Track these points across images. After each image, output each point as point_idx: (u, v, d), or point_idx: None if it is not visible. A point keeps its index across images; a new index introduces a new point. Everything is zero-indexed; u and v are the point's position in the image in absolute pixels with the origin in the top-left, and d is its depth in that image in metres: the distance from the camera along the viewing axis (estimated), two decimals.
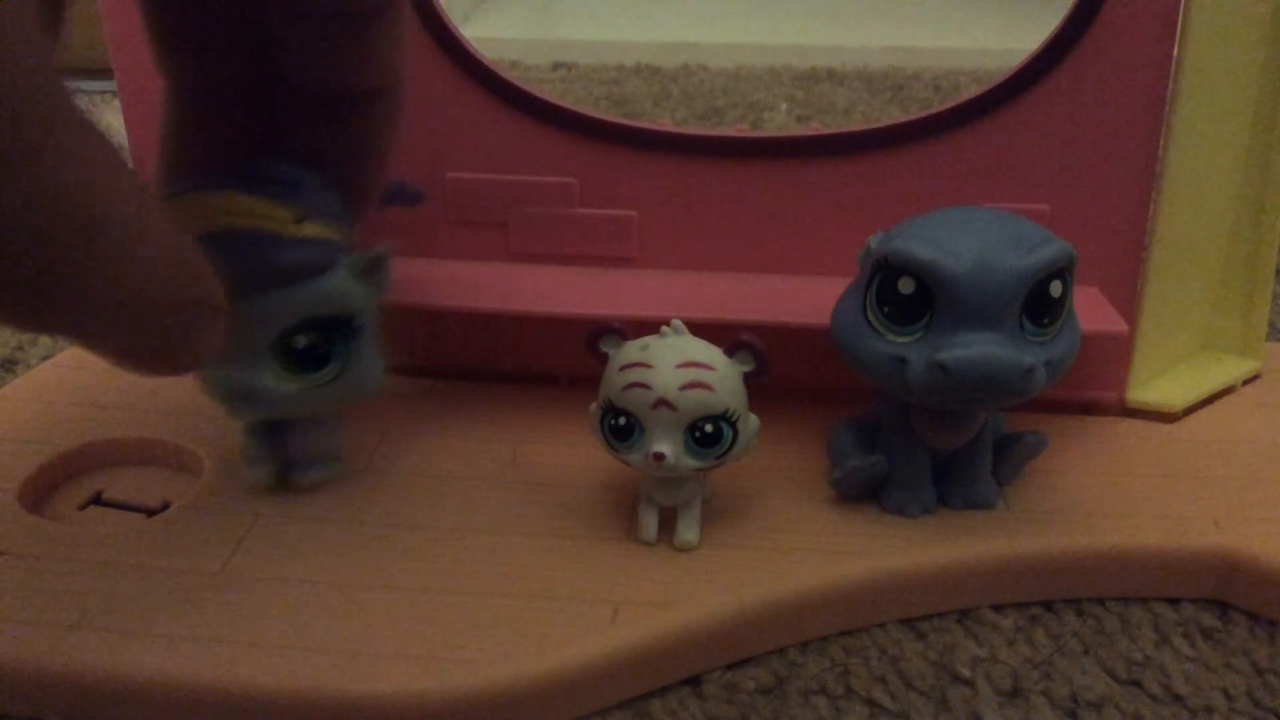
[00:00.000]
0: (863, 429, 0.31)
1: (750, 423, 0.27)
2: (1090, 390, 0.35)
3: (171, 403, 0.34)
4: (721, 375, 0.26)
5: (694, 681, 0.26)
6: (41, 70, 0.17)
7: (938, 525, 0.29)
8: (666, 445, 0.26)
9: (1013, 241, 0.26)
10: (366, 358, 0.28)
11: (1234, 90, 0.32)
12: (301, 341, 0.27)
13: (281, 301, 0.26)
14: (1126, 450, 0.33)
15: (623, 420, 0.27)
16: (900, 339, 0.27)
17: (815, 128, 0.34)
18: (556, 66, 0.93)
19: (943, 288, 0.26)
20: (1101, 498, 0.30)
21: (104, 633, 0.25)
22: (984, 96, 0.32)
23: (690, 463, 0.27)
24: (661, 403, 0.26)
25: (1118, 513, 0.29)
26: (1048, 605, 0.28)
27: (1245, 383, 0.36)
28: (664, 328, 0.27)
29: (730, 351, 0.27)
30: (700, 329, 0.28)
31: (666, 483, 0.28)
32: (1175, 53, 0.31)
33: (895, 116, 0.34)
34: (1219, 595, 0.28)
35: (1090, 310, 0.32)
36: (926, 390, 0.26)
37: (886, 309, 0.27)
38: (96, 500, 0.31)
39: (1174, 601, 0.28)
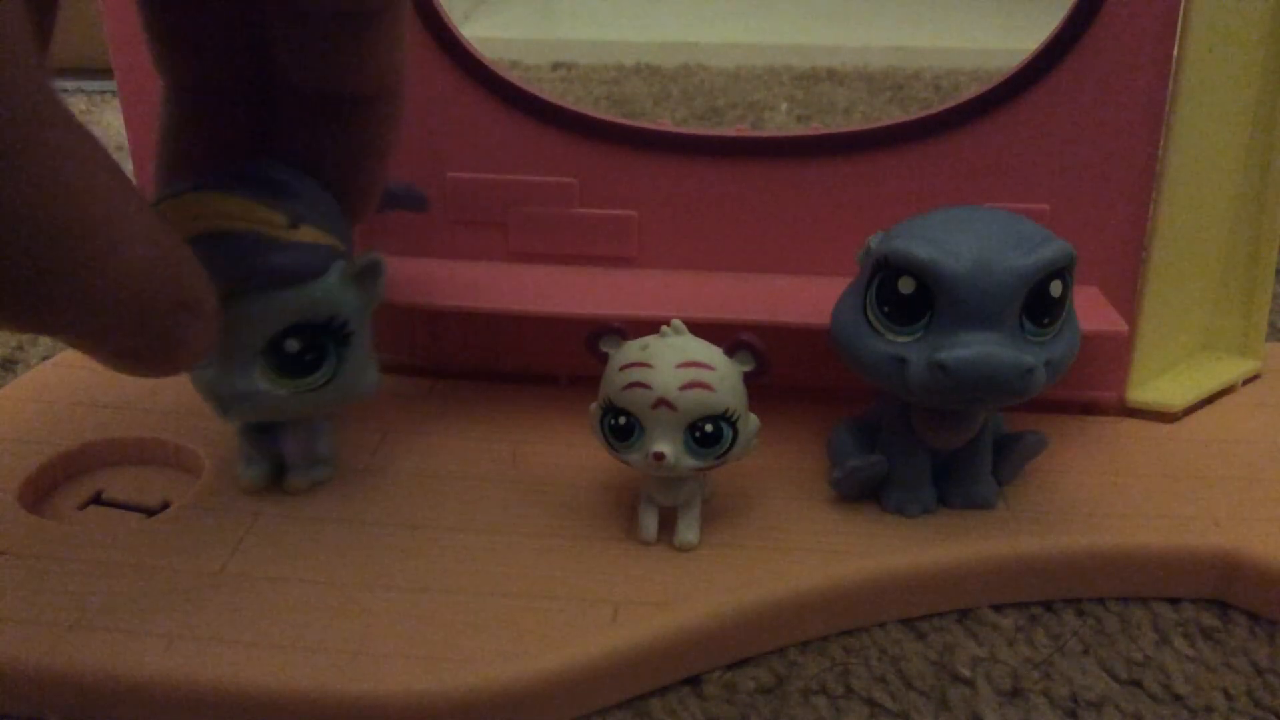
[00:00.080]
0: (863, 429, 0.31)
1: (750, 423, 0.27)
2: (1090, 390, 0.35)
3: (171, 402, 0.34)
4: (721, 375, 0.27)
5: (694, 681, 0.26)
6: (29, 73, 0.17)
7: (938, 525, 0.29)
8: (666, 445, 0.26)
9: (1013, 241, 0.26)
10: (359, 363, 0.28)
11: (1234, 90, 0.32)
12: (292, 346, 0.27)
13: (272, 305, 0.26)
14: (1126, 450, 0.33)
15: (623, 420, 0.27)
16: (900, 339, 0.27)
17: (815, 127, 0.34)
18: (556, 66, 0.93)
19: (943, 287, 0.26)
20: (1101, 498, 0.30)
21: (104, 632, 0.25)
22: (984, 96, 0.32)
23: (690, 462, 0.27)
24: (661, 402, 0.26)
25: (1118, 512, 0.29)
26: (1048, 605, 0.28)
27: (1245, 383, 0.36)
28: (664, 327, 0.27)
29: (730, 351, 0.27)
30: (700, 329, 0.28)
31: (666, 483, 0.28)
32: (1175, 53, 0.31)
33: (895, 116, 0.34)
34: (1219, 595, 0.28)
35: (1090, 310, 0.32)
36: (926, 390, 0.26)
37: (886, 309, 0.27)
38: (96, 500, 0.31)
39: (1174, 601, 0.28)
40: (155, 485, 0.31)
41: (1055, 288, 0.26)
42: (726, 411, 0.26)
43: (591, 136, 0.34)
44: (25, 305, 0.19)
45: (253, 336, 0.26)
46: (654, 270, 0.35)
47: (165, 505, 0.30)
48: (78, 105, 0.76)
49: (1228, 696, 0.25)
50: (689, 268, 0.35)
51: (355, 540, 0.28)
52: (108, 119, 0.73)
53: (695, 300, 0.32)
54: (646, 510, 0.28)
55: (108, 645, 0.24)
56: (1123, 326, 0.32)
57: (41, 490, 0.31)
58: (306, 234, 0.26)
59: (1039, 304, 0.26)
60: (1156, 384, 0.35)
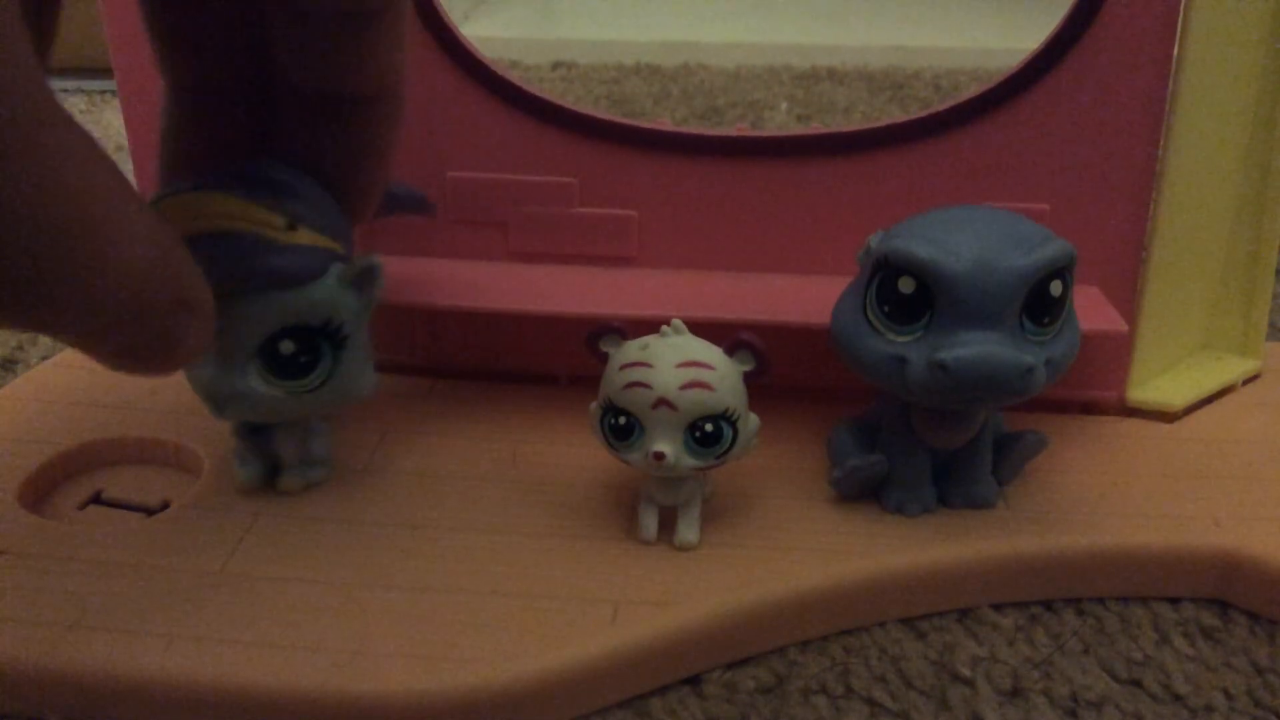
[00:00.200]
0: (863, 429, 0.31)
1: (750, 422, 0.27)
2: (1090, 390, 0.35)
3: (171, 402, 0.34)
4: (722, 375, 0.26)
5: (694, 681, 0.26)
6: (28, 74, 0.17)
7: (938, 525, 0.29)
8: (666, 445, 0.26)
9: (1013, 241, 0.26)
10: (355, 366, 0.28)
11: (1234, 90, 0.32)
12: (287, 347, 0.27)
13: (268, 306, 0.26)
14: (1126, 450, 0.33)
15: (623, 420, 0.27)
16: (900, 338, 0.27)
17: (815, 127, 0.34)
18: (556, 66, 0.93)
19: (943, 287, 0.26)
20: (1101, 497, 0.30)
21: (104, 632, 0.25)
22: (984, 96, 0.32)
23: (690, 462, 0.27)
24: (662, 402, 0.26)
25: (1118, 512, 0.29)
26: (1048, 605, 0.28)
27: (1245, 382, 0.36)
28: (664, 327, 0.27)
29: (730, 351, 0.27)
30: (700, 328, 0.28)
31: (666, 482, 0.28)
32: (1175, 52, 0.31)
33: (895, 116, 0.34)
34: (1219, 595, 0.28)
35: (1090, 309, 0.32)
36: (926, 390, 0.26)
37: (886, 308, 0.27)
38: (96, 500, 0.31)
39: (1174, 601, 0.28)
40: (155, 485, 0.31)
41: (1055, 287, 0.26)
42: (726, 411, 0.26)
43: (592, 136, 0.34)
44: (24, 304, 0.19)
45: (248, 337, 0.26)
46: (654, 270, 0.35)
47: (165, 505, 0.30)
48: (78, 105, 0.76)
49: (1228, 696, 0.25)
50: (689, 267, 0.35)
51: (355, 540, 0.28)
52: (108, 119, 0.73)
53: (695, 300, 0.32)
54: (646, 510, 0.28)
55: (108, 645, 0.24)
56: (1123, 326, 0.32)
57: (41, 490, 0.31)
58: (304, 236, 0.26)
59: (1039, 303, 0.26)
60: (1157, 383, 0.35)
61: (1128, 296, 0.34)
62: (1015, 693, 0.25)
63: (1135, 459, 0.32)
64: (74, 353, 0.37)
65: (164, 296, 0.21)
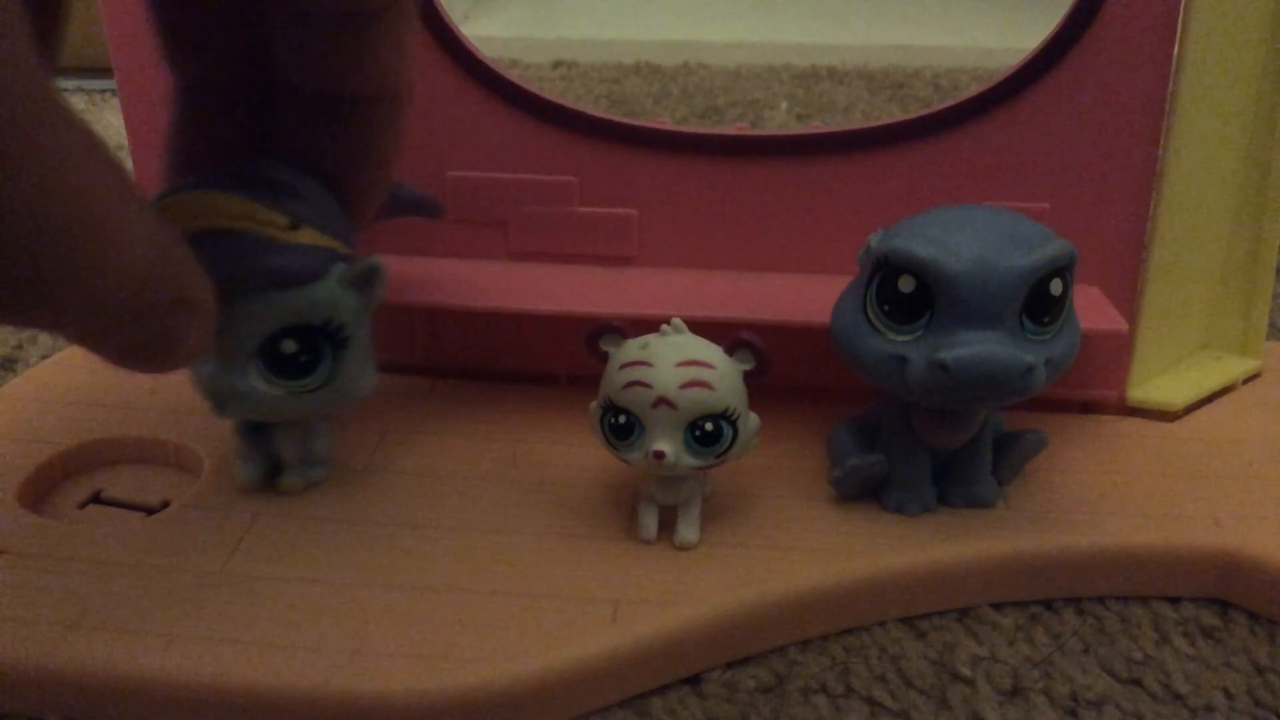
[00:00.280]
0: (863, 428, 0.31)
1: (750, 421, 0.27)
2: (1090, 389, 0.35)
3: (171, 402, 0.34)
4: (722, 374, 0.26)
5: (694, 680, 0.26)
6: (27, 73, 0.17)
7: (938, 524, 0.29)
8: (666, 444, 0.26)
9: (1013, 240, 0.26)
10: (356, 366, 0.28)
11: (1234, 89, 0.32)
12: (288, 347, 0.27)
13: (269, 305, 0.26)
14: (1127, 449, 0.33)
15: (623, 419, 0.27)
16: (900, 338, 0.27)
17: (815, 126, 0.34)
18: (556, 65, 0.93)
19: (943, 286, 0.26)
20: (1102, 496, 0.30)
21: (104, 632, 0.25)
22: (984, 95, 0.32)
23: (690, 461, 0.27)
24: (662, 401, 0.26)
25: (1118, 511, 0.29)
26: (1048, 604, 0.28)
27: (1245, 381, 0.36)
28: (664, 326, 0.27)
29: (730, 350, 0.27)
30: (700, 327, 0.28)
31: (666, 481, 0.28)
32: (1175, 52, 0.31)
33: (895, 115, 0.34)
34: (1219, 594, 0.28)
35: (1090, 309, 0.32)
36: (926, 389, 0.26)
37: (886, 308, 0.27)
38: (96, 499, 0.31)
39: (1174, 600, 0.28)
40: (155, 484, 0.31)
41: (1055, 286, 0.26)
42: (726, 410, 0.26)
43: (591, 135, 0.34)
44: (22, 303, 0.19)
45: (250, 336, 0.26)
46: (654, 269, 0.35)
47: (165, 505, 0.30)
48: (78, 105, 0.76)
49: (1228, 695, 0.25)
50: (689, 266, 0.35)
51: (355, 540, 0.28)
52: (108, 118, 0.73)
53: (695, 299, 0.32)
54: (646, 509, 0.28)
55: (107, 644, 0.24)
56: (1123, 325, 0.32)
57: (41, 489, 0.31)
58: (306, 236, 0.26)
59: (1039, 303, 0.26)
60: (1157, 383, 0.35)
61: (1128, 296, 0.34)
62: (1015, 692, 0.25)
63: (1135, 458, 0.32)
64: (74, 352, 0.37)
65: (163, 296, 0.21)
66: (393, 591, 0.26)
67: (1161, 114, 0.31)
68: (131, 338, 0.21)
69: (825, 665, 0.26)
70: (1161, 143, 0.32)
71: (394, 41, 0.26)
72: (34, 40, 0.17)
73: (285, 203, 0.26)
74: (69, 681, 0.24)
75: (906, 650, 0.27)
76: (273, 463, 0.30)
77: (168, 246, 0.21)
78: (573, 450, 0.32)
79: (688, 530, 0.28)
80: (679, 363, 0.26)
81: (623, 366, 0.27)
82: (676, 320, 0.27)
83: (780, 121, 0.76)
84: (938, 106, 0.33)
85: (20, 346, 0.42)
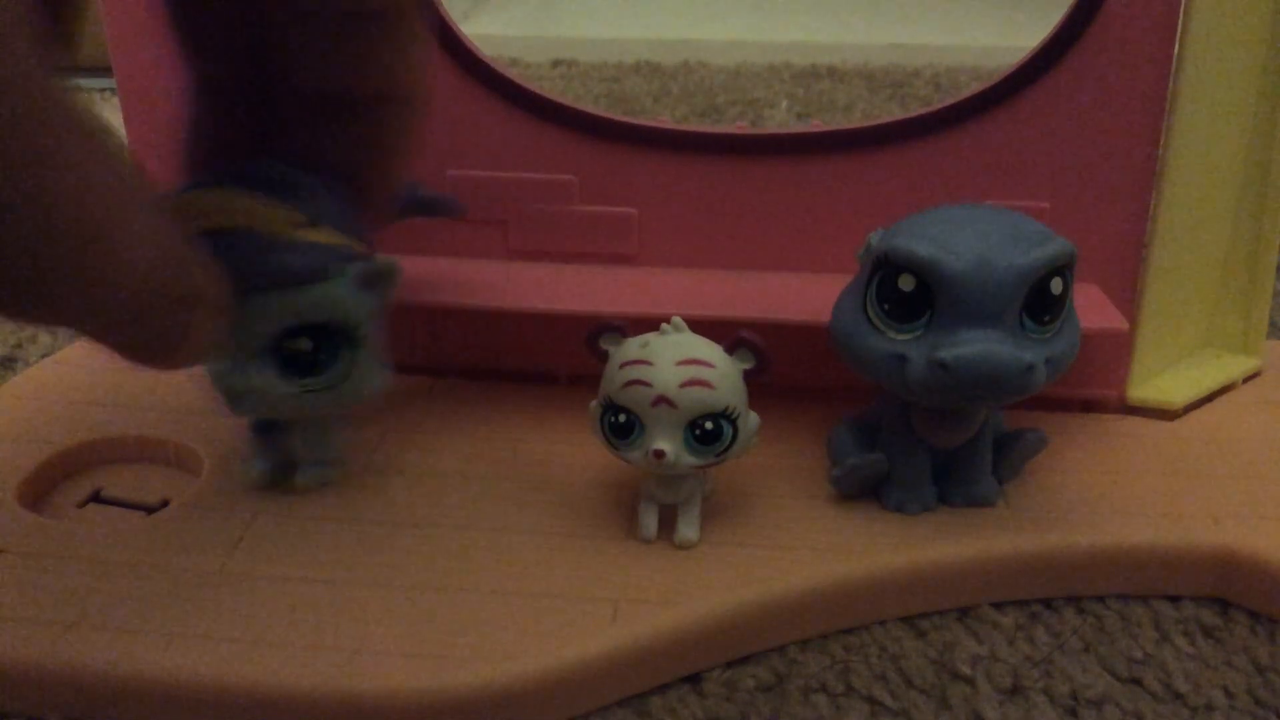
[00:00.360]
0: (863, 427, 0.31)
1: (750, 420, 0.27)
2: (1091, 388, 0.35)
3: (171, 401, 0.34)
4: (722, 373, 0.26)
5: (694, 679, 0.26)
6: (26, 73, 0.17)
7: (938, 523, 0.29)
8: (666, 443, 0.26)
9: (1013, 239, 0.26)
10: (367, 365, 0.28)
11: (1234, 87, 0.32)
12: (302, 345, 0.27)
13: (279, 304, 0.26)
14: (1127, 448, 0.33)
15: (623, 418, 0.27)
16: (900, 337, 0.27)
17: (815, 125, 0.34)
18: (556, 64, 0.93)
19: (943, 285, 0.26)
20: (1102, 495, 0.30)
21: (103, 631, 0.25)
22: (984, 94, 0.32)
23: (690, 460, 0.27)
24: (661, 400, 0.26)
25: (1118, 510, 0.29)
26: (1048, 603, 0.28)
27: (1246, 380, 0.36)
28: (664, 325, 0.27)
29: (730, 349, 0.27)
30: (700, 326, 0.28)
31: (666, 480, 0.28)
32: (1175, 51, 0.31)
33: (895, 114, 0.34)
34: (1219, 593, 0.28)
35: (1091, 308, 0.32)
36: (927, 388, 0.26)
37: (887, 306, 0.27)
38: (96, 498, 0.31)
39: (1174, 599, 0.28)
40: (155, 484, 0.31)
41: (1056, 285, 0.26)
42: (726, 409, 0.26)
43: (591, 134, 0.34)
44: (26, 302, 0.19)
45: (262, 334, 0.26)
46: (654, 268, 0.35)
47: (165, 504, 0.30)
48: None
49: (1228, 694, 0.25)
50: (689, 265, 0.35)
51: (355, 539, 0.28)
52: (106, 118, 0.73)
53: (695, 298, 0.32)
54: (646, 508, 0.28)
55: (107, 644, 0.24)
56: (1123, 324, 0.32)
57: (41, 488, 0.31)
58: (318, 234, 0.26)
59: (1039, 302, 0.26)
60: (1157, 382, 0.35)
61: (1128, 295, 0.34)
62: (1015, 691, 0.25)
63: (1135, 457, 0.32)
64: (74, 351, 0.37)
65: (167, 294, 0.21)
66: (393, 591, 0.26)
67: (1161, 113, 0.31)
68: (136, 335, 0.21)
69: (825, 664, 0.26)
70: (1161, 142, 0.32)
71: (398, 42, 0.26)
72: (38, 40, 0.17)
73: (298, 201, 0.26)
74: (68, 681, 0.24)
75: (907, 649, 0.27)
76: (284, 461, 0.30)
77: (172, 244, 0.21)
78: (573, 450, 0.32)
79: (688, 529, 0.28)
80: (679, 361, 0.26)
81: (623, 365, 0.27)
82: (676, 319, 0.27)
83: (780, 120, 0.76)
84: (938, 105, 0.33)
85: (20, 345, 0.42)
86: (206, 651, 0.24)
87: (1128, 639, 0.27)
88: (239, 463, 0.30)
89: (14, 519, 0.29)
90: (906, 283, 0.26)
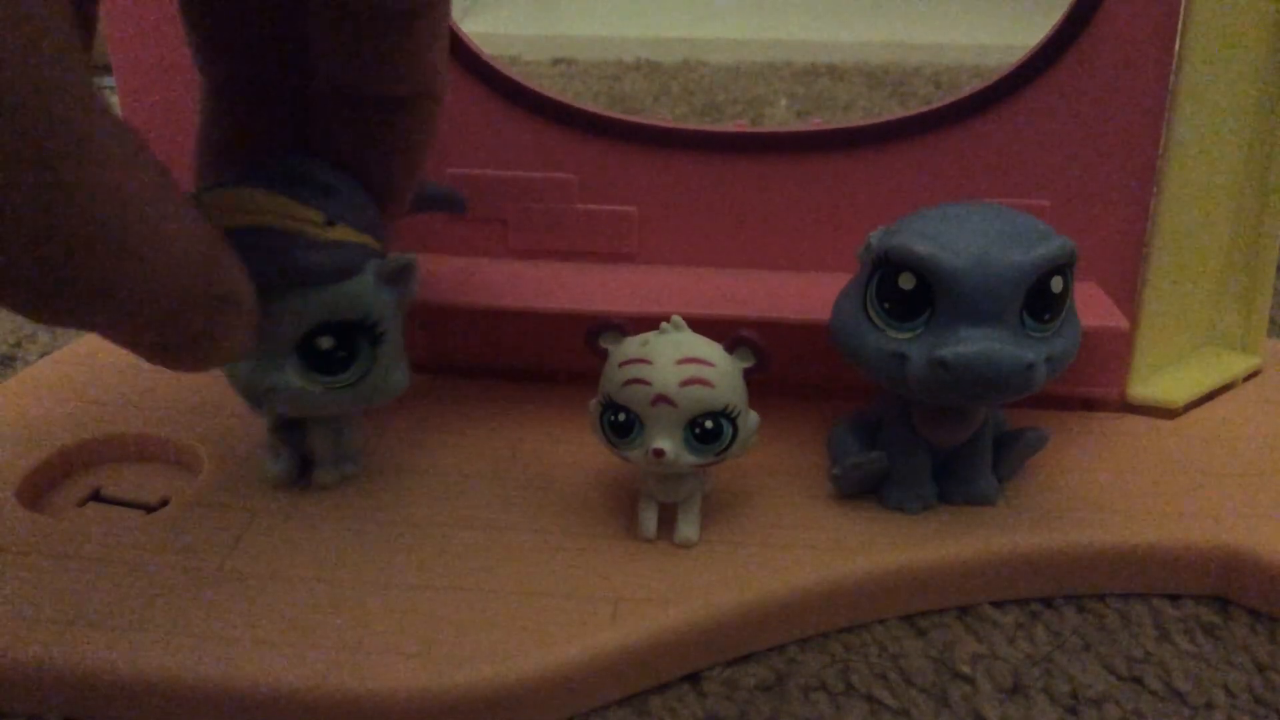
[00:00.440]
0: (863, 425, 0.31)
1: (750, 419, 0.27)
2: (1091, 386, 0.35)
3: (171, 399, 0.34)
4: (721, 371, 0.26)
5: (694, 678, 0.26)
6: (76, 72, 0.17)
7: (938, 522, 0.29)
8: (666, 441, 0.26)
9: (1013, 237, 0.26)
10: (390, 362, 0.28)
11: (1234, 86, 0.32)
12: (325, 343, 0.27)
13: (307, 302, 0.26)
14: (1127, 446, 0.33)
15: (622, 416, 0.27)
16: (901, 335, 0.27)
17: (815, 123, 0.34)
18: (556, 62, 0.93)
19: (943, 284, 0.26)
20: (1102, 494, 0.30)
21: (102, 630, 0.24)
22: (984, 92, 0.32)
23: (690, 459, 0.27)
24: (661, 399, 0.26)
25: (1118, 509, 0.29)
26: (1048, 602, 0.28)
27: (1246, 379, 0.36)
28: (664, 324, 0.27)
29: (730, 347, 0.27)
30: (700, 325, 0.28)
31: (666, 479, 0.28)
32: (1175, 49, 0.31)
33: (895, 112, 0.34)
34: (1220, 591, 0.28)
35: (1091, 306, 0.32)
36: (927, 387, 0.26)
37: (887, 305, 0.27)
38: (95, 497, 0.31)
39: (1175, 598, 0.28)
40: (154, 482, 0.31)
41: (1056, 284, 0.26)
42: (726, 408, 0.26)
43: (591, 132, 0.34)
44: (60, 303, 0.19)
45: (287, 332, 0.26)
46: (654, 266, 0.35)
47: (164, 503, 0.30)
48: None
49: (1229, 693, 0.25)
50: (689, 264, 0.35)
51: (354, 538, 0.28)
52: None
53: (695, 296, 0.32)
54: (646, 507, 0.28)
55: (106, 642, 0.24)
56: (1123, 322, 0.32)
57: (40, 487, 0.31)
58: (342, 233, 0.26)
59: (1040, 300, 0.26)
60: (1157, 380, 0.35)
61: (1128, 293, 0.34)
62: (1016, 690, 0.25)
63: (1136, 456, 0.32)
64: (73, 350, 0.37)
65: (205, 293, 0.21)
66: (391, 589, 0.26)
67: (1161, 111, 0.31)
68: (169, 337, 0.21)
69: (825, 663, 0.26)
70: (1161, 140, 0.32)
71: (433, 40, 0.26)
72: (72, 39, 0.17)
73: (321, 200, 0.26)
74: (68, 680, 0.24)
75: (907, 648, 0.27)
76: (302, 460, 0.30)
77: (209, 244, 0.21)
78: (572, 448, 0.32)
79: (688, 528, 0.28)
80: (679, 360, 0.26)
81: (622, 364, 0.27)
82: (676, 318, 0.27)
83: (780, 119, 0.76)
84: (938, 104, 0.33)
85: (19, 344, 0.42)
86: (206, 650, 0.24)
87: (1128, 638, 0.27)
88: (261, 462, 0.30)
89: (13, 517, 0.29)
90: (907, 281, 0.26)
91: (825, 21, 1.08)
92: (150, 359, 0.22)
